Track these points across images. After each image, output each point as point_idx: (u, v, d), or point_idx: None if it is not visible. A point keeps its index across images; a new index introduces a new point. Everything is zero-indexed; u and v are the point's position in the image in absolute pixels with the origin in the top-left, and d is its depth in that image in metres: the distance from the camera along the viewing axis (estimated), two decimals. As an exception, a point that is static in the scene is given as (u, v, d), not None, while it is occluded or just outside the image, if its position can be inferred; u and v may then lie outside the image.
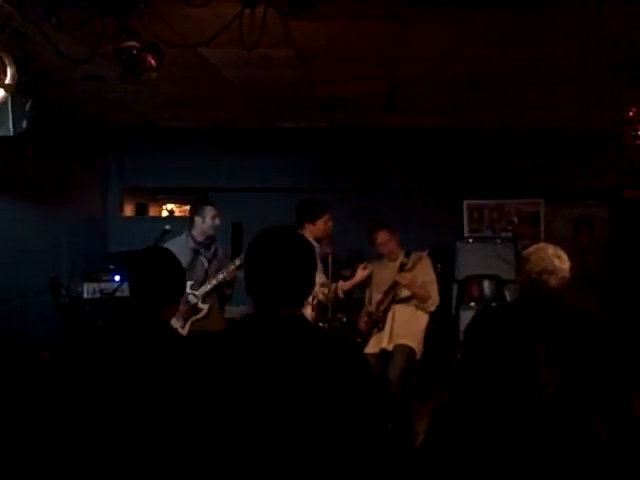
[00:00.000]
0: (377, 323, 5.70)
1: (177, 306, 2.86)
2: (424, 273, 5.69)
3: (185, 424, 1.89)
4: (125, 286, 5.49)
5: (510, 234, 8.17)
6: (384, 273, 5.77)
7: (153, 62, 4.01)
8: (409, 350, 5.56)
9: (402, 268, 5.62)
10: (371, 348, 5.63)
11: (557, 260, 3.82)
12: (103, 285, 6.87)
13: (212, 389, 1.89)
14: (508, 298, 7.64)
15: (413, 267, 5.63)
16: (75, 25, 3.88)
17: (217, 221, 5.74)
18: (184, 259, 5.91)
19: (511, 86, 6.20)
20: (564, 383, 2.26)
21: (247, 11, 3.80)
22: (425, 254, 5.79)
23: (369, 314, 5.84)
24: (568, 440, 2.11)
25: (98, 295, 6.85)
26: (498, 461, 2.09)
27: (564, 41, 4.83)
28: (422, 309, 5.71)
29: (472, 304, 7.79)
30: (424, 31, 4.70)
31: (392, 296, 5.67)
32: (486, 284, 7.90)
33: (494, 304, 7.56)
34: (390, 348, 5.58)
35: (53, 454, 2.55)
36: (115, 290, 6.06)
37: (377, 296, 5.82)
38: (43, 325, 6.41)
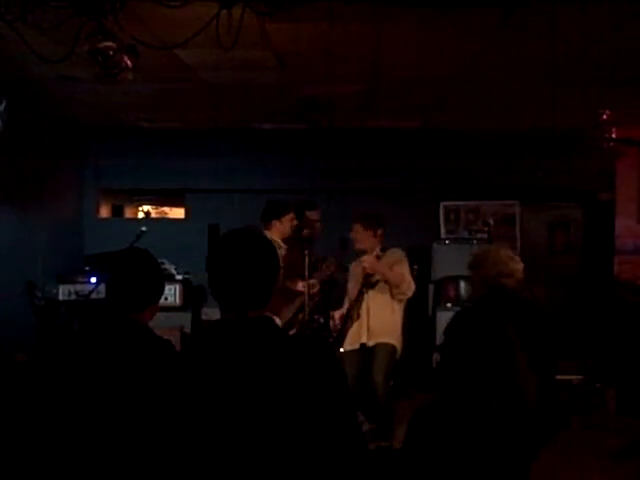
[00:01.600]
0: (349, 311, 5.59)
1: (156, 306, 2.85)
2: (393, 259, 5.53)
3: (159, 427, 1.88)
4: (101, 288, 5.46)
5: (486, 235, 8.20)
6: (359, 269, 5.64)
7: (129, 63, 3.99)
8: (391, 349, 5.47)
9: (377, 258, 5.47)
10: (350, 344, 5.53)
11: (512, 262, 3.80)
12: (79, 287, 6.82)
13: (185, 393, 1.88)
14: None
15: (383, 256, 5.51)
16: (50, 25, 3.85)
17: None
18: None
19: (487, 88, 6.24)
20: (542, 384, 2.28)
21: (224, 13, 3.80)
22: (399, 250, 5.66)
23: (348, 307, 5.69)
24: (544, 439, 2.12)
25: (74, 297, 6.80)
26: (478, 464, 2.10)
27: (539, 43, 4.88)
28: (398, 295, 5.53)
29: (448, 305, 7.82)
30: (402, 33, 4.73)
31: (363, 284, 5.54)
32: (462, 285, 7.93)
33: (470, 305, 7.61)
34: (370, 343, 5.47)
35: (27, 458, 2.53)
36: (91, 292, 6.03)
37: (353, 292, 5.70)
38: (18, 327, 6.35)
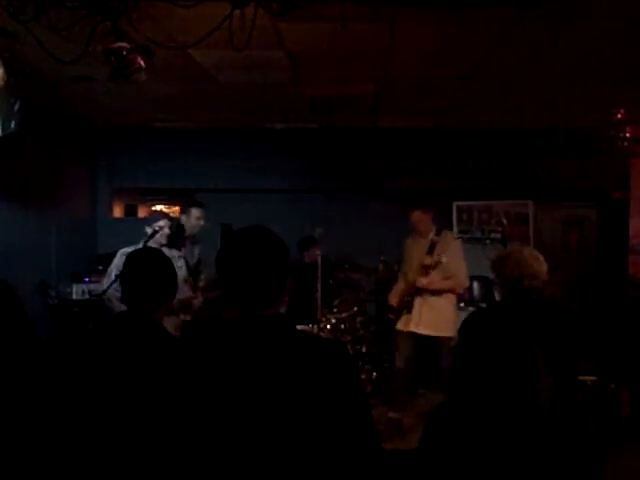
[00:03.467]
0: (405, 306, 5.82)
1: (169, 305, 2.86)
2: (453, 258, 5.76)
3: (172, 424, 1.88)
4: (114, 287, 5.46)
5: (499, 235, 8.19)
6: (415, 249, 5.92)
7: (142, 63, 4.01)
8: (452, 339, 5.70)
9: (432, 248, 5.71)
10: (401, 326, 5.83)
11: (536, 264, 3.77)
12: (92, 286, 6.84)
13: (199, 391, 1.88)
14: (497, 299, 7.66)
15: (442, 252, 5.70)
16: (64, 26, 3.87)
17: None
18: None
19: (500, 88, 6.22)
20: (558, 385, 2.26)
21: (237, 13, 3.80)
22: (452, 235, 5.93)
23: (402, 297, 5.91)
24: (564, 443, 2.11)
25: (87, 296, 6.83)
26: (493, 465, 2.10)
27: (552, 43, 4.86)
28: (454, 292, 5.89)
29: (462, 305, 7.79)
30: (413, 33, 4.72)
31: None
32: (475, 285, 7.91)
33: (484, 305, 7.58)
34: (419, 331, 5.74)
35: (42, 455, 2.54)
36: (104, 291, 6.03)
37: (409, 272, 5.93)
38: (32, 326, 6.37)
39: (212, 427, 1.84)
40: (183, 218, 6.12)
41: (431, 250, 5.68)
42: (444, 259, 5.60)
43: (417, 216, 5.83)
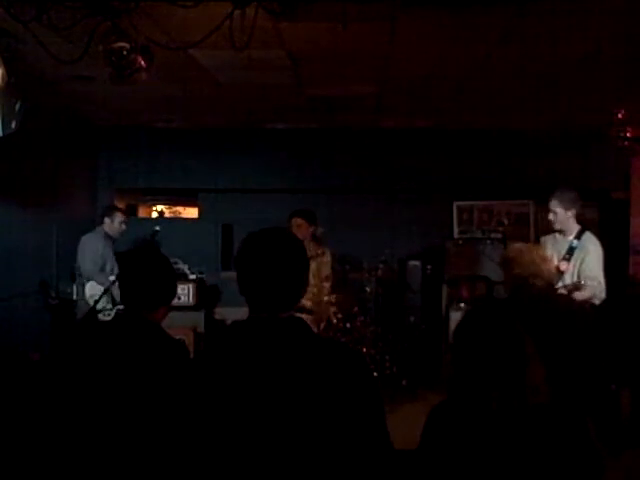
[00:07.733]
0: None
1: (168, 306, 2.85)
2: (592, 268, 5.12)
3: (176, 426, 1.88)
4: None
5: (500, 235, 8.18)
6: (556, 252, 5.27)
7: (143, 63, 4.01)
8: None
9: (571, 252, 5.12)
10: None
11: (544, 263, 3.79)
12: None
13: (206, 393, 1.86)
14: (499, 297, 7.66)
15: (580, 260, 5.13)
16: (65, 26, 3.87)
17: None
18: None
19: (500, 88, 6.22)
20: (556, 382, 2.27)
21: (237, 13, 3.81)
22: (595, 239, 5.33)
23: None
24: (561, 441, 2.11)
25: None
26: (493, 461, 2.10)
27: (552, 43, 4.86)
28: None
29: (462, 305, 7.80)
30: (414, 33, 4.72)
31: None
32: (476, 285, 7.90)
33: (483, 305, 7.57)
34: None
35: (43, 456, 2.54)
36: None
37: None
38: (32, 326, 6.38)
39: (224, 428, 1.82)
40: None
41: (570, 254, 5.12)
42: (582, 282, 4.84)
43: (554, 211, 5.37)
